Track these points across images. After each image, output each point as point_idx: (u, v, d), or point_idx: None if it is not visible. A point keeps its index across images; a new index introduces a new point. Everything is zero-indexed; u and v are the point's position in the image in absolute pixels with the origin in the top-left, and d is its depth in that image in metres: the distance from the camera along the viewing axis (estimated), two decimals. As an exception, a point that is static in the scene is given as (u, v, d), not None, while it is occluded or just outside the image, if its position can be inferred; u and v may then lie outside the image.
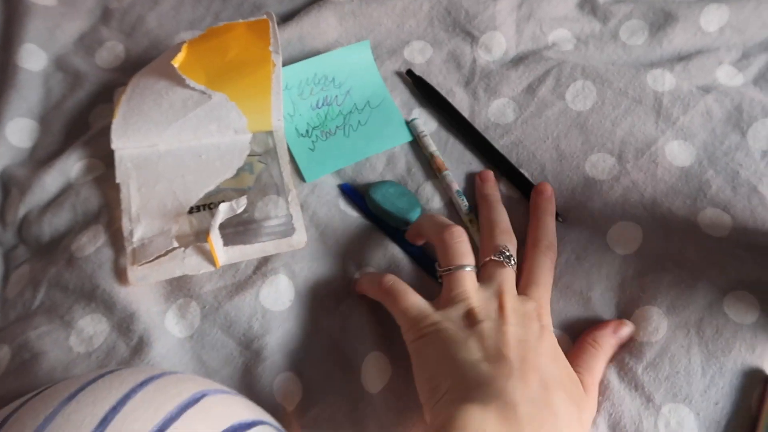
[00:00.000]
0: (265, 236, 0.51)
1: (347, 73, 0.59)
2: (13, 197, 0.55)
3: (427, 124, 0.58)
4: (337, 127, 0.57)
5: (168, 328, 0.49)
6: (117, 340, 0.48)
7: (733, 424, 0.44)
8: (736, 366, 0.46)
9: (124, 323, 0.48)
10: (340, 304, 0.51)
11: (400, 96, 0.60)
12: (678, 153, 0.55)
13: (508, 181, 0.55)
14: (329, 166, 0.55)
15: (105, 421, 0.29)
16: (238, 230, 0.51)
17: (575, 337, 0.48)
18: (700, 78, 0.59)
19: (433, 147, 0.56)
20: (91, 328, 0.49)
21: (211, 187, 0.52)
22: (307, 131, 0.57)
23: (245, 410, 0.34)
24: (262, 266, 0.51)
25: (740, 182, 0.53)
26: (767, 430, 0.42)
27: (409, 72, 0.60)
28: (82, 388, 0.31)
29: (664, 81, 0.58)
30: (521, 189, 0.54)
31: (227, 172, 0.52)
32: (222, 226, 0.50)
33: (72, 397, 0.30)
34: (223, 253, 0.50)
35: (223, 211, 0.48)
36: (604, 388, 0.46)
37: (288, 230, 0.52)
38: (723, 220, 0.52)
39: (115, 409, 0.30)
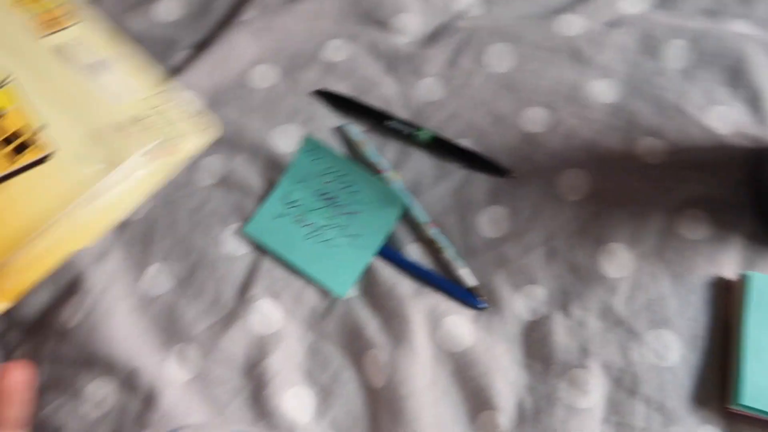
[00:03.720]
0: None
1: (365, 202, 0.52)
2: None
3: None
4: (318, 226, 0.52)
5: (172, 375, 0.48)
6: (126, 398, 0.47)
7: (712, 334, 0.45)
8: (702, 280, 0.47)
9: (128, 380, 0.47)
10: (332, 307, 0.50)
11: (323, 114, 0.57)
12: (603, 90, 0.54)
13: (452, 157, 0.54)
14: (277, 246, 0.51)
15: None
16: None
17: (556, 293, 0.48)
18: (605, 13, 0.58)
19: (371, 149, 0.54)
20: (100, 392, 0.47)
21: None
22: (291, 203, 0.53)
23: None
24: (244, 294, 0.50)
25: (666, 105, 0.53)
26: (745, 334, 0.43)
27: (319, 91, 0.57)
28: None
29: (572, 25, 0.57)
30: (464, 159, 0.53)
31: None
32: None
33: None
34: None
35: None
36: (588, 334, 0.46)
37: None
38: (658, 146, 0.52)
39: None
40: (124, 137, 0.32)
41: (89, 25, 0.33)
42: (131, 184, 0.33)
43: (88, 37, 0.33)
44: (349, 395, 0.47)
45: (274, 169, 0.54)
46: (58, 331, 0.50)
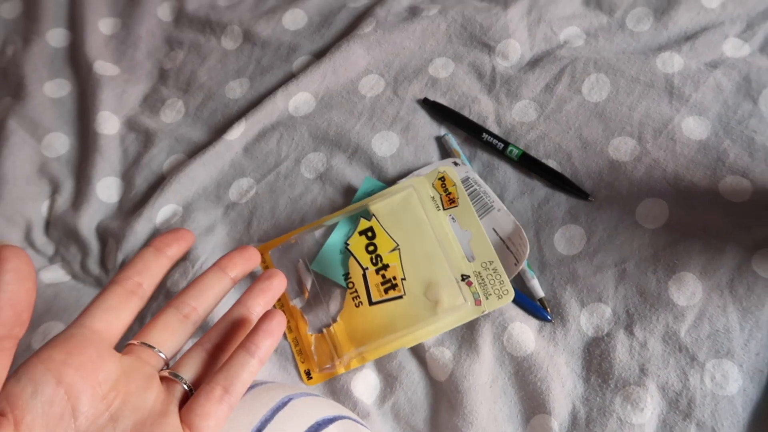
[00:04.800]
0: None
1: None
2: (111, 246, 0.60)
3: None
4: None
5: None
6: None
7: (775, 373, 0.45)
8: (772, 318, 0.47)
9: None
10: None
11: (421, 124, 0.61)
12: (694, 128, 0.55)
13: (536, 175, 0.56)
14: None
15: None
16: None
17: (622, 314, 0.49)
18: (707, 54, 0.59)
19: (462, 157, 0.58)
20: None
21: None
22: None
23: (327, 408, 0.37)
24: (329, 280, 0.54)
25: (756, 147, 0.53)
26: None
27: (425, 100, 0.61)
28: None
29: (673, 63, 0.59)
30: (548, 178, 0.56)
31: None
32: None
33: None
34: None
35: None
36: (649, 355, 0.47)
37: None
38: (743, 185, 0.52)
39: None
40: (452, 289, 0.50)
41: (466, 201, 0.52)
42: (444, 321, 0.50)
43: (465, 210, 0.52)
44: (412, 384, 0.50)
45: (371, 170, 0.59)
46: (164, 292, 0.56)
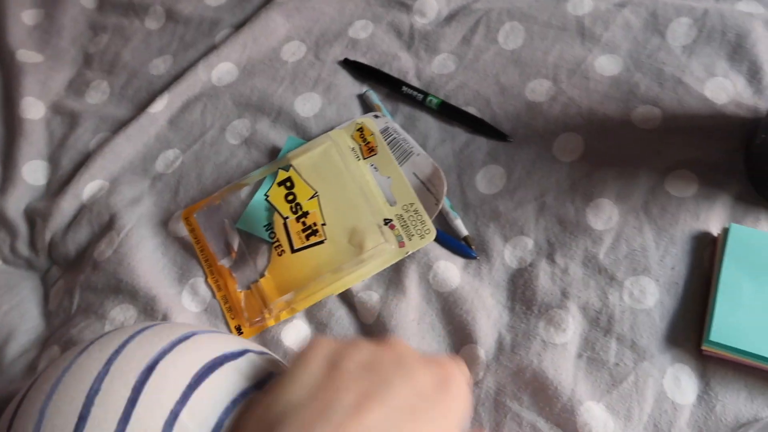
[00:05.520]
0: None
1: None
2: (39, 227, 0.59)
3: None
4: None
5: (185, 305, 0.52)
6: (145, 321, 0.51)
7: (690, 282, 0.46)
8: (685, 234, 0.47)
9: (148, 306, 0.51)
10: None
11: (343, 84, 0.61)
12: (606, 65, 0.56)
13: (456, 122, 0.57)
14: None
15: (109, 362, 0.32)
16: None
17: (543, 244, 0.49)
18: (615, -5, 0.60)
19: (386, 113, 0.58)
20: (122, 316, 0.52)
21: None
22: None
23: (234, 343, 0.36)
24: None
25: (665, 78, 0.54)
26: (720, 279, 0.43)
27: (345, 60, 0.62)
28: (91, 342, 0.34)
29: (583, 5, 0.59)
30: (468, 124, 0.56)
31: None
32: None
33: (85, 348, 0.33)
34: None
35: None
36: (570, 280, 0.47)
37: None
38: (654, 113, 0.53)
39: (117, 352, 0.32)
40: (375, 233, 0.49)
41: (385, 150, 0.53)
42: (370, 265, 0.49)
43: (385, 157, 0.52)
44: (342, 330, 0.50)
45: (295, 130, 0.59)
46: (92, 265, 0.55)
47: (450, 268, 0.49)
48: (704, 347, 0.42)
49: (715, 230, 0.47)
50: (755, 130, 0.50)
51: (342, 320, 0.50)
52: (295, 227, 0.50)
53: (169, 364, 0.32)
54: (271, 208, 0.52)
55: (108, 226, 0.56)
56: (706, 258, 0.46)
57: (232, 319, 0.51)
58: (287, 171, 0.53)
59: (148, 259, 0.54)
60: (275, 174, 0.54)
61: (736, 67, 0.54)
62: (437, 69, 0.60)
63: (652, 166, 0.50)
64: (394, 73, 0.60)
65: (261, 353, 0.37)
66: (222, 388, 0.32)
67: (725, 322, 0.42)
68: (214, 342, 0.35)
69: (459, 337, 0.47)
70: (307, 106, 0.60)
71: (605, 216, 0.49)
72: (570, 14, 0.59)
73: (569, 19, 0.59)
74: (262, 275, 0.51)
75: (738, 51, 0.54)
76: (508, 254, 0.50)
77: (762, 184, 0.48)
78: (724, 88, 0.53)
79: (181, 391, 0.31)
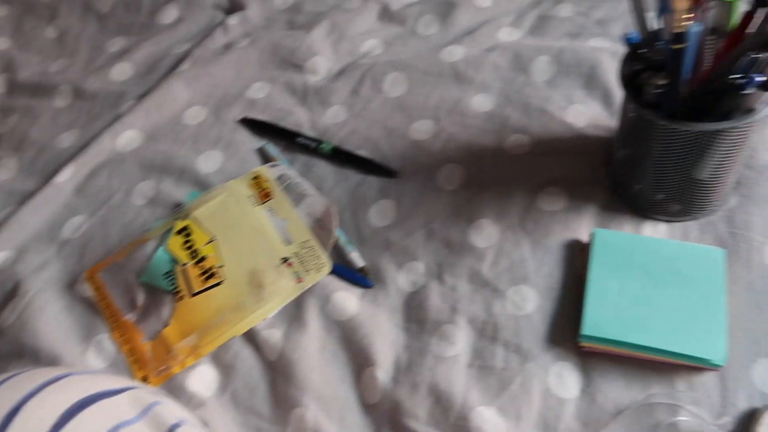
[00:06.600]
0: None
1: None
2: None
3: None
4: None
5: (90, 363, 0.51)
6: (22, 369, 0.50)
7: (566, 286, 0.48)
8: (558, 243, 0.51)
9: (51, 365, 0.50)
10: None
11: (243, 140, 0.63)
12: (480, 102, 0.61)
13: (349, 165, 0.60)
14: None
15: None
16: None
17: (433, 266, 0.52)
18: (485, 42, 0.65)
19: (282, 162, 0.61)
20: (25, 383, 0.51)
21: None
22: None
23: (115, 382, 0.36)
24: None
25: (532, 109, 0.59)
26: (589, 279, 0.46)
27: (243, 119, 0.65)
28: None
29: (455, 53, 0.65)
30: (359, 165, 0.59)
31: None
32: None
33: None
34: None
35: None
36: (458, 296, 0.49)
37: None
38: (523, 140, 0.57)
39: None
40: (274, 273, 0.52)
41: (280, 194, 0.55)
42: (270, 303, 0.51)
43: (280, 201, 0.55)
44: (248, 369, 0.50)
45: (198, 186, 0.61)
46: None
47: (347, 298, 0.51)
48: (580, 342, 0.45)
49: (585, 237, 0.50)
50: (612, 146, 0.54)
51: (247, 360, 0.50)
52: (193, 272, 0.52)
53: (36, 404, 0.32)
54: (173, 258, 0.53)
55: (11, 293, 0.56)
56: (578, 263, 0.49)
57: (139, 370, 0.51)
58: (185, 220, 0.54)
59: (52, 322, 0.54)
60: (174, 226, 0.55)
61: (591, 94, 0.59)
62: (330, 119, 0.63)
63: (525, 186, 0.54)
64: (291, 127, 0.63)
65: (142, 389, 0.37)
66: (97, 422, 0.32)
67: (596, 317, 0.45)
68: (89, 381, 0.35)
69: (359, 362, 0.49)
70: (209, 162, 0.62)
71: (486, 234, 0.52)
72: (445, 61, 0.64)
73: (445, 66, 0.64)
74: (166, 324, 0.52)
75: (592, 80, 0.59)
76: (401, 279, 0.52)
77: (623, 193, 0.52)
78: (582, 113, 0.58)
79: (47, 429, 0.31)
